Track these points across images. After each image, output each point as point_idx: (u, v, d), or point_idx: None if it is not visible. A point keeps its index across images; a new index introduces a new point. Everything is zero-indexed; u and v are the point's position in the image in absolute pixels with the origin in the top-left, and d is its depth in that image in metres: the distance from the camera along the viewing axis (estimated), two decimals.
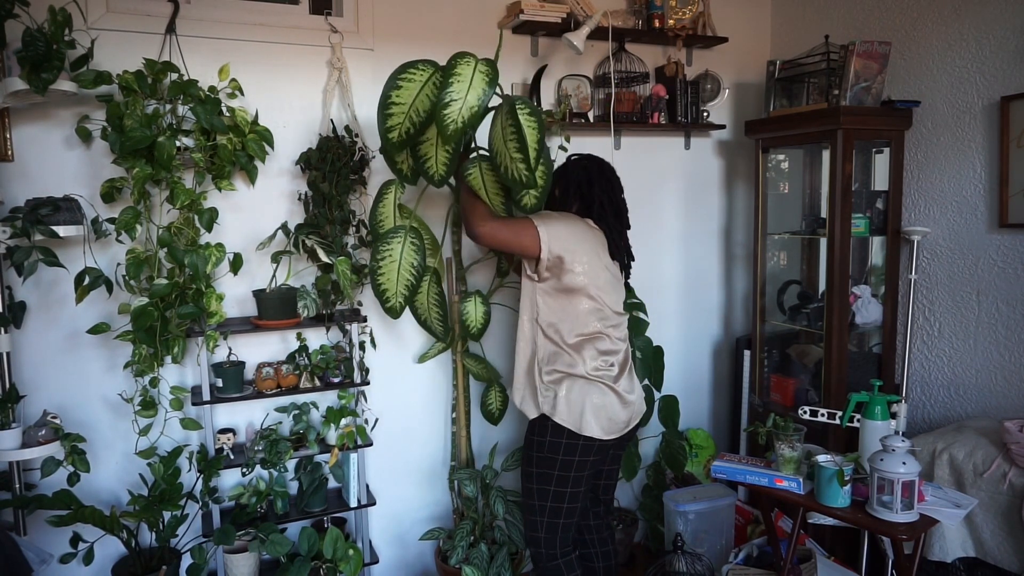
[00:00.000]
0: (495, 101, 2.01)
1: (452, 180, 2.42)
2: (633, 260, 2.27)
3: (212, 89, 2.25)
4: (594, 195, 2.18)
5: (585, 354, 2.11)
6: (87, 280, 2.11)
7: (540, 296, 2.13)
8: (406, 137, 2.01)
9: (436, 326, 2.43)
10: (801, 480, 2.13)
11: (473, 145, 2.26)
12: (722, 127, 3.17)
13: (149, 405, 2.24)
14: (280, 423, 2.48)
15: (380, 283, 2.16)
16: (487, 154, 2.18)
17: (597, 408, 2.10)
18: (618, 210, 2.22)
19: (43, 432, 2.10)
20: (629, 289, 2.28)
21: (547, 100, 2.88)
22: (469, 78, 1.89)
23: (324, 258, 2.34)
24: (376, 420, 2.65)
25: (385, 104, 1.98)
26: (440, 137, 1.93)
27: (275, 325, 2.35)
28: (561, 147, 2.54)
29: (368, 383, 2.53)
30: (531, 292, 2.15)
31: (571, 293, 2.10)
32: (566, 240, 2.06)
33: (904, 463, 1.91)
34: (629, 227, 2.25)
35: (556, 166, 2.25)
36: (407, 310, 2.25)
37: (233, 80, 2.29)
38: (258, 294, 2.37)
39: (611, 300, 2.15)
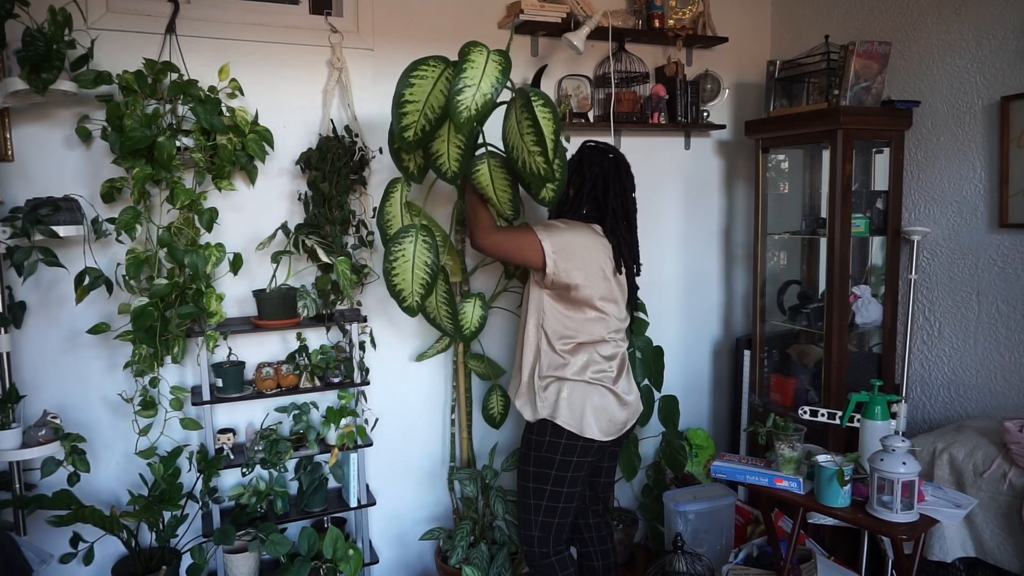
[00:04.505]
0: (505, 95, 1.99)
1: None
2: (641, 267, 2.25)
3: (212, 89, 2.25)
4: (608, 203, 2.13)
5: (587, 358, 2.11)
6: (87, 280, 2.11)
7: (547, 303, 2.11)
8: (422, 135, 1.96)
9: (446, 323, 2.40)
10: (801, 480, 2.13)
11: (481, 140, 2.22)
12: (722, 127, 3.17)
13: (149, 405, 2.24)
14: (280, 423, 2.48)
15: (395, 283, 2.13)
16: (495, 150, 2.18)
17: (598, 410, 2.11)
18: (628, 214, 2.17)
19: (43, 432, 2.10)
20: (634, 290, 2.26)
21: None
22: (482, 66, 1.87)
23: (324, 258, 2.34)
24: (376, 420, 2.65)
25: (399, 103, 1.93)
26: (453, 125, 1.87)
27: (275, 325, 2.35)
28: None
29: (368, 383, 2.53)
30: (538, 298, 2.12)
31: (577, 304, 2.09)
32: (571, 255, 2.03)
33: (904, 463, 1.91)
34: (636, 228, 2.21)
35: (569, 155, 2.21)
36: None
37: (233, 80, 2.29)
38: (258, 294, 2.37)
39: (616, 308, 2.15)
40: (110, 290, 2.19)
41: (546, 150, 1.90)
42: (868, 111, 2.62)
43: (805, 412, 2.34)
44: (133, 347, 2.20)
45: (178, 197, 2.17)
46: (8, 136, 2.17)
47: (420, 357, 2.72)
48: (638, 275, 2.24)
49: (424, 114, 1.94)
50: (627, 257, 2.15)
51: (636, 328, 2.84)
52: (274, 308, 2.34)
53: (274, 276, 2.42)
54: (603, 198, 2.14)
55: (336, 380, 2.46)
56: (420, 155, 2.20)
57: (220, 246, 2.25)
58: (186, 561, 2.31)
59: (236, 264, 2.30)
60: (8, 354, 2.15)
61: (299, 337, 2.47)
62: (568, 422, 2.08)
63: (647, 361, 2.87)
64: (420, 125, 1.95)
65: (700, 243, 3.32)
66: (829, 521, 2.27)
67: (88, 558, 2.17)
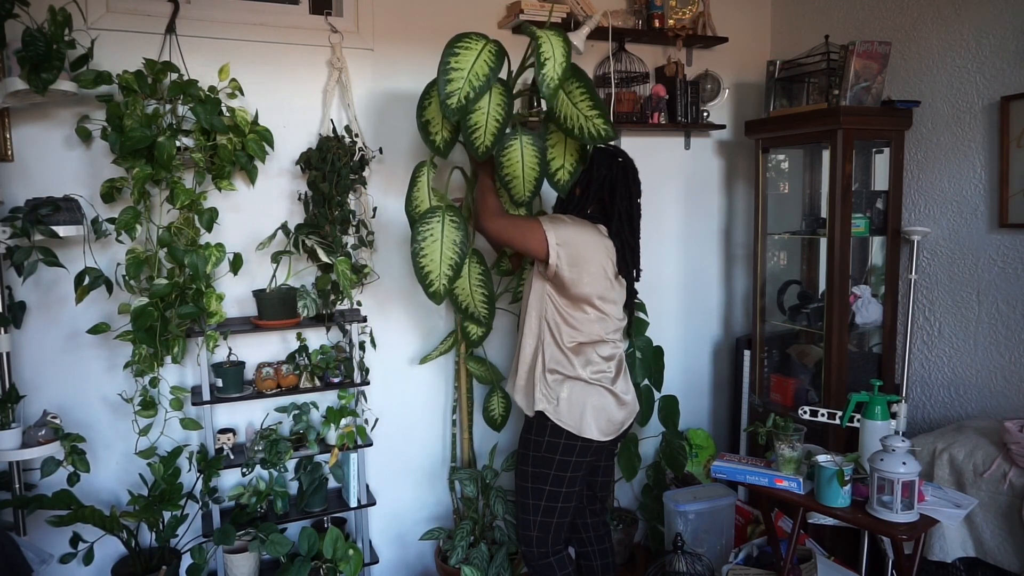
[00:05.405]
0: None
1: (468, 172, 2.42)
2: (641, 272, 2.25)
3: (212, 89, 2.25)
4: (614, 206, 2.14)
5: (587, 357, 2.11)
6: (87, 280, 2.11)
7: (550, 296, 2.11)
8: (465, 102, 1.99)
9: (480, 310, 2.35)
10: (801, 480, 2.13)
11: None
12: (722, 127, 3.17)
13: (149, 405, 2.24)
14: (280, 423, 2.48)
15: (423, 265, 2.10)
16: (527, 129, 2.20)
17: (597, 410, 2.11)
18: (632, 219, 2.17)
19: (43, 432, 2.10)
20: (633, 294, 2.26)
21: None
22: (549, 39, 1.98)
23: (324, 258, 2.34)
24: (376, 420, 2.65)
25: (445, 70, 1.97)
26: (542, 96, 1.98)
27: (275, 325, 2.35)
28: None
29: (368, 383, 2.53)
30: (541, 290, 2.13)
31: (576, 301, 2.09)
32: (575, 249, 2.03)
33: (904, 463, 1.91)
34: (639, 236, 2.21)
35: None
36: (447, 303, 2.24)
37: (233, 80, 2.29)
38: (258, 294, 2.37)
39: (615, 309, 2.15)
40: (110, 290, 2.19)
41: (604, 112, 2.03)
42: (868, 111, 2.62)
43: (805, 412, 2.34)
44: (133, 347, 2.20)
45: (178, 197, 2.17)
46: (8, 136, 2.17)
47: (424, 360, 2.71)
48: (637, 280, 2.25)
49: (469, 81, 1.98)
50: (629, 261, 2.15)
51: (636, 328, 2.84)
52: (274, 308, 2.34)
53: (274, 276, 2.42)
54: (609, 201, 2.15)
55: (336, 380, 2.46)
56: (448, 128, 2.21)
57: (220, 246, 2.25)
58: (186, 561, 2.31)
59: (236, 264, 2.30)
60: (8, 354, 2.15)
61: (299, 337, 2.47)
62: (567, 422, 2.08)
63: (647, 361, 2.87)
64: (464, 92, 1.98)
65: (700, 243, 3.32)
66: (829, 521, 2.27)
67: (88, 558, 2.17)
